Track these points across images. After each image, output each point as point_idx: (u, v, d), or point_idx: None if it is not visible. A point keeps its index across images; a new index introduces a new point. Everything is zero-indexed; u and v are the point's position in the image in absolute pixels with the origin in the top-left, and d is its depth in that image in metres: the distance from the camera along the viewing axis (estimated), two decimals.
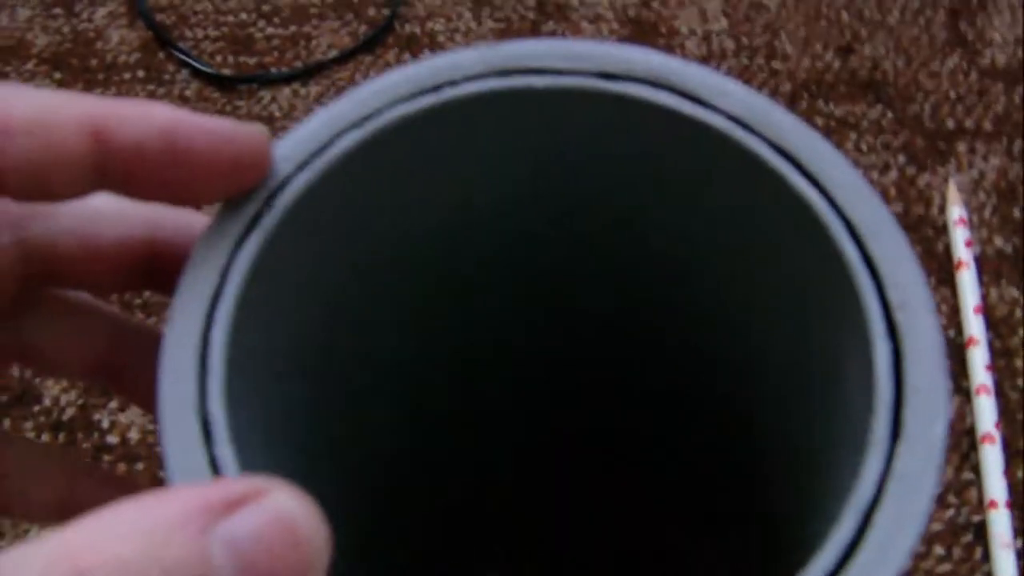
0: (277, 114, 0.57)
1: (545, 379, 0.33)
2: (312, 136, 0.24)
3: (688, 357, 0.30)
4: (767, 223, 0.24)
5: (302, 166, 0.23)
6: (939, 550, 0.41)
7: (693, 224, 0.27)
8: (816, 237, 0.23)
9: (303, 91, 0.58)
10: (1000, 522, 0.40)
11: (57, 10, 0.65)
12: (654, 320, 0.30)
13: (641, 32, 0.56)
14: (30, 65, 0.62)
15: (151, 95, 0.59)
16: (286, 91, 0.58)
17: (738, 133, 0.24)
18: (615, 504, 0.35)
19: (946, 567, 0.40)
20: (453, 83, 0.25)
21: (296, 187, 0.23)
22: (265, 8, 0.62)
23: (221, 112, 0.58)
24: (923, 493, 0.19)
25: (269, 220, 0.23)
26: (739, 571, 0.32)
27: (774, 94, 0.53)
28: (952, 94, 0.53)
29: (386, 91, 0.24)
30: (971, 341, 0.44)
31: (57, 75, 0.62)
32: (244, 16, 0.62)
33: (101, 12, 0.64)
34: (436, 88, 0.24)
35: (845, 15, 0.57)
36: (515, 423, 0.34)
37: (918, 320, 0.21)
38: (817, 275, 0.23)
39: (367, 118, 0.24)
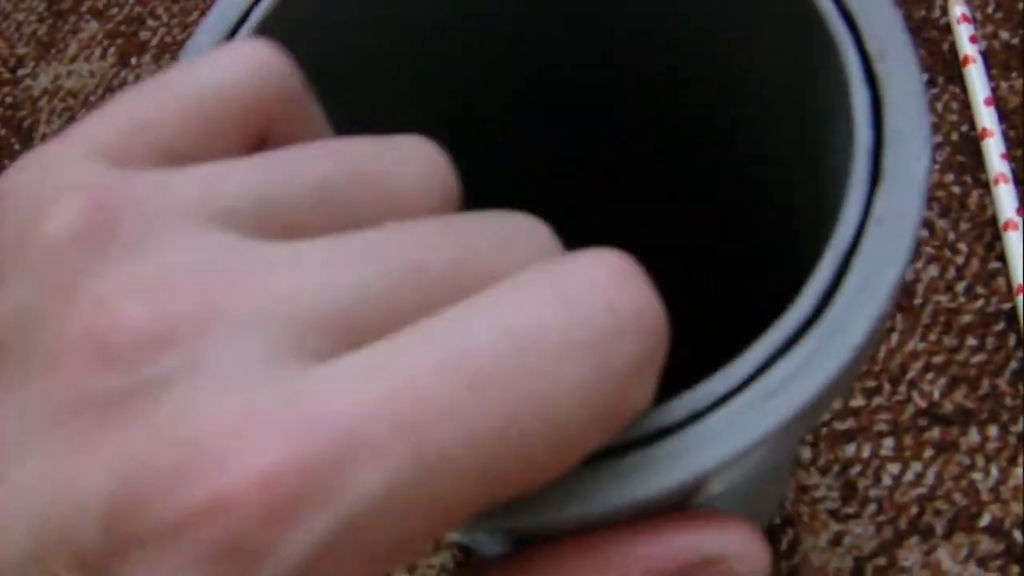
0: None
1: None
2: None
3: (692, 113, 0.31)
4: None
5: None
6: (972, 341, 0.41)
7: None
8: None
9: None
10: None
11: None
12: (677, 82, 0.30)
13: None
14: None
15: (141, 0, 0.59)
16: None
17: None
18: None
19: (980, 357, 0.41)
20: None
21: None
22: None
23: (211, 5, 0.58)
24: (904, 233, 0.20)
25: None
26: (734, 311, 0.33)
27: None
28: None
29: None
30: (985, 133, 0.44)
31: None
32: None
33: None
34: None
35: None
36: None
37: (897, 68, 0.21)
38: (801, 31, 0.23)
39: None
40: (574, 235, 0.28)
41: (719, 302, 0.35)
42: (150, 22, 0.58)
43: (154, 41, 0.57)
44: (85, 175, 0.16)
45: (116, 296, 0.15)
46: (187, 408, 0.14)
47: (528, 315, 0.15)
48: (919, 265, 0.42)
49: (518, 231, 0.17)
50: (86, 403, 0.14)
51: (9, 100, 0.58)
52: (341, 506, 0.14)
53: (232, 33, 0.24)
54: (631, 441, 0.18)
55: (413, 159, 0.18)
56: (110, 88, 0.56)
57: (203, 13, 0.58)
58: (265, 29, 0.24)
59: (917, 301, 0.42)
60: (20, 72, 0.59)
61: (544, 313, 0.15)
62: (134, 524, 0.14)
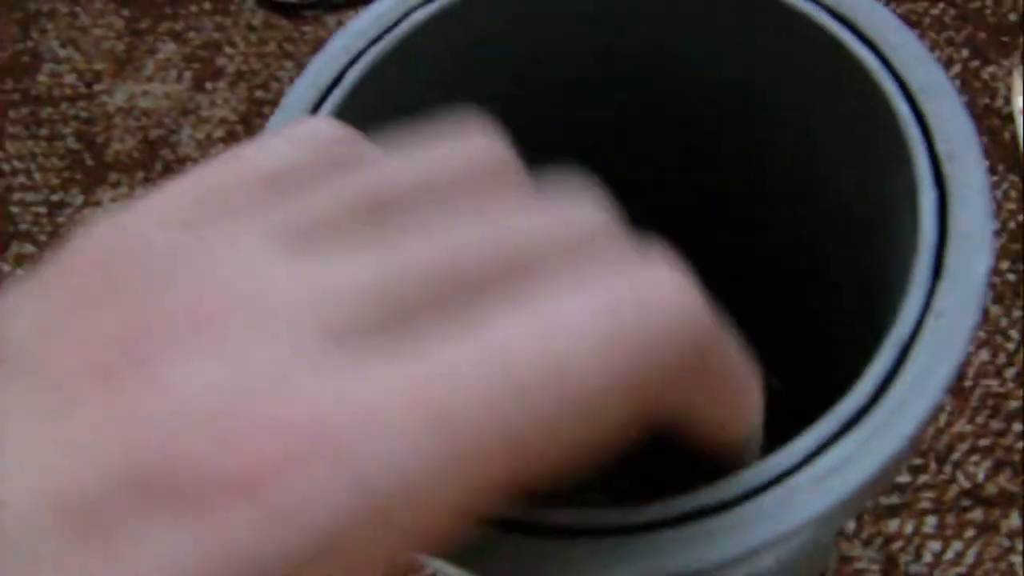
0: None
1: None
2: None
3: (761, 203, 0.32)
4: (829, 85, 0.25)
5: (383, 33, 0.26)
6: (1018, 426, 0.41)
7: (760, 85, 0.28)
8: (872, 96, 0.24)
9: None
10: None
11: None
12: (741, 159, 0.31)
13: None
14: (98, 3, 0.64)
15: (218, 27, 0.60)
16: (351, 15, 0.59)
17: (803, 4, 0.25)
18: None
19: None
20: None
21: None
22: None
23: (288, 39, 0.59)
24: (962, 329, 0.20)
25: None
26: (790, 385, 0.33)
27: None
28: None
29: None
30: None
31: (125, 12, 0.63)
32: None
33: None
34: None
35: None
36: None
37: (965, 170, 0.22)
38: (874, 131, 0.24)
39: None
40: None
41: (771, 372, 0.36)
42: (227, 49, 0.59)
43: (230, 68, 0.59)
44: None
45: None
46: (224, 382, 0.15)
47: (570, 313, 0.16)
48: (971, 348, 0.43)
49: (582, 219, 0.18)
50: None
51: (84, 115, 0.59)
52: (362, 475, 0.15)
53: (323, 95, 0.25)
54: (690, 513, 0.19)
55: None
56: (184, 111, 0.57)
57: (279, 45, 0.59)
58: (356, 95, 0.25)
59: (967, 383, 0.42)
60: (96, 87, 0.60)
61: (583, 313, 0.16)
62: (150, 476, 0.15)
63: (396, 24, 0.26)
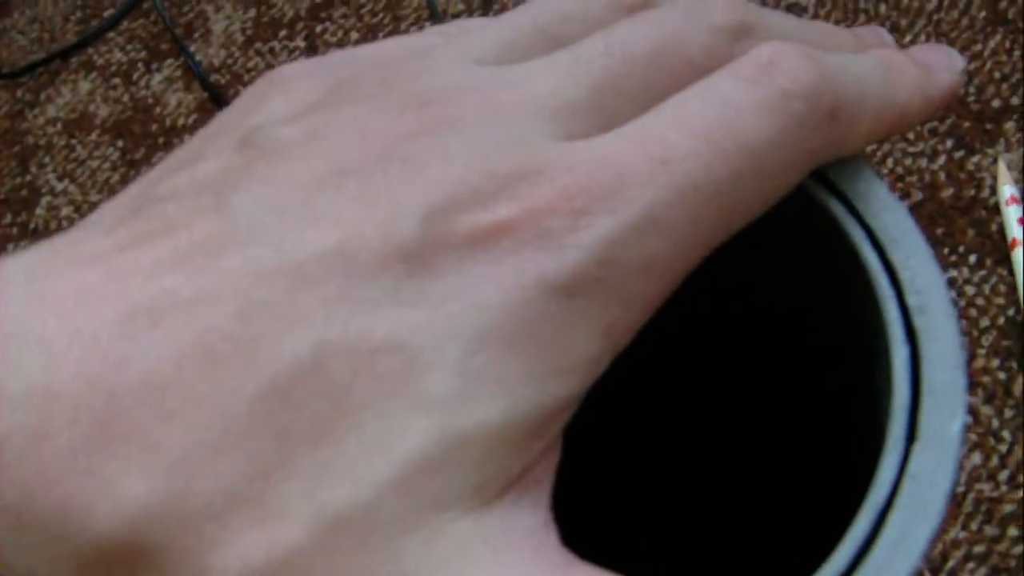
0: None
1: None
2: None
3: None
4: (803, 233, 0.25)
5: None
6: (1013, 531, 0.41)
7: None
8: (840, 246, 0.24)
9: None
10: None
11: (116, 80, 0.67)
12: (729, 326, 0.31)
13: None
14: (94, 136, 0.65)
15: None
16: None
17: None
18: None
19: (1021, 548, 0.40)
20: None
21: None
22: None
23: None
24: (938, 491, 0.20)
25: None
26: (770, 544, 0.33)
27: None
28: (996, 74, 0.52)
29: None
30: None
31: (120, 143, 0.64)
32: None
33: (157, 78, 0.66)
34: None
35: (883, 7, 0.57)
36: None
37: (936, 324, 0.22)
38: (845, 284, 0.24)
39: None
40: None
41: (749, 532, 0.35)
42: None
43: None
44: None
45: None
46: (488, 151, 0.19)
47: (733, 90, 0.20)
48: (963, 452, 0.42)
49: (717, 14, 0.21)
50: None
51: None
52: (618, 215, 0.18)
53: None
54: None
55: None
56: None
57: None
58: None
59: (960, 489, 0.41)
60: None
61: (744, 88, 0.20)
62: (451, 224, 0.18)
63: None
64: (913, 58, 0.23)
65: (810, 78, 0.20)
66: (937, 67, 0.23)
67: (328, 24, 0.65)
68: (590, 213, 0.18)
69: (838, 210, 0.24)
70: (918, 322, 0.22)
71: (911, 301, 0.22)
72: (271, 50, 0.65)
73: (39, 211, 0.62)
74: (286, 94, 0.21)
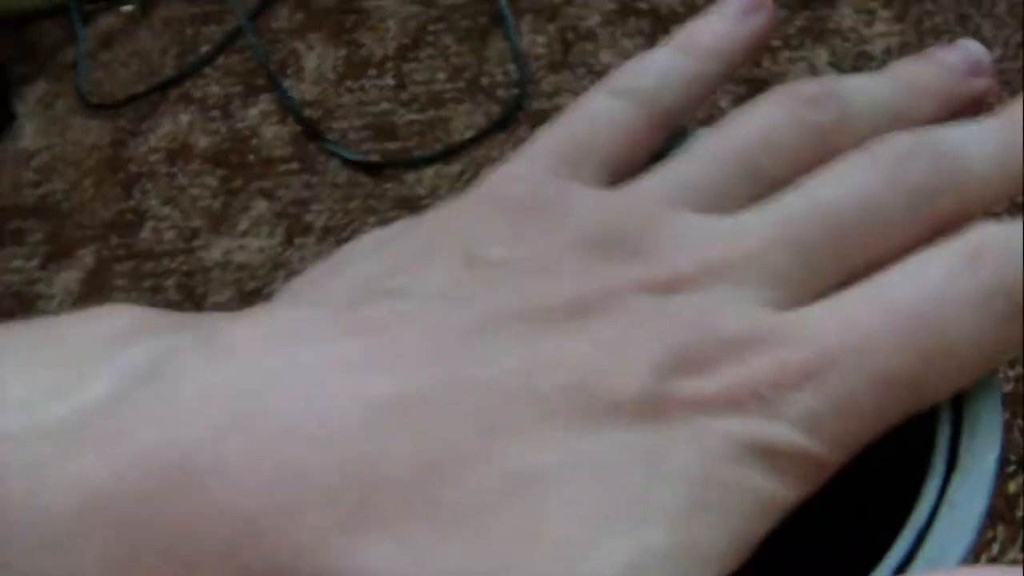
0: (422, 193, 0.64)
1: None
2: None
3: None
4: None
5: None
6: None
7: None
8: None
9: (445, 170, 0.64)
10: None
11: (214, 113, 0.72)
12: None
13: (757, 89, 0.61)
14: (194, 165, 0.69)
15: (306, 185, 0.65)
16: (429, 172, 0.65)
17: None
18: None
19: None
20: None
21: None
22: (404, 97, 0.68)
23: (370, 196, 0.64)
24: (972, 517, 0.23)
25: None
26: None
27: None
28: None
29: None
30: None
31: (219, 172, 0.68)
32: (385, 105, 0.69)
33: (253, 112, 0.71)
34: None
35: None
36: None
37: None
38: None
39: None
40: None
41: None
42: (315, 206, 0.65)
43: (318, 224, 0.64)
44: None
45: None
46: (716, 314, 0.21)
47: (939, 280, 0.21)
48: (1021, 478, 0.46)
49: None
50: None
51: (184, 268, 0.64)
52: (822, 396, 0.20)
53: None
54: None
55: None
56: (276, 264, 0.62)
57: (363, 201, 0.64)
58: None
59: (1019, 513, 0.45)
60: (195, 243, 0.65)
61: (950, 280, 0.21)
62: (679, 383, 0.20)
63: None
64: None
65: (1013, 274, 0.21)
66: None
67: (415, 64, 0.70)
68: (800, 389, 0.20)
69: None
70: None
71: None
72: (361, 87, 0.70)
73: (144, 234, 0.67)
74: (499, 220, 0.23)
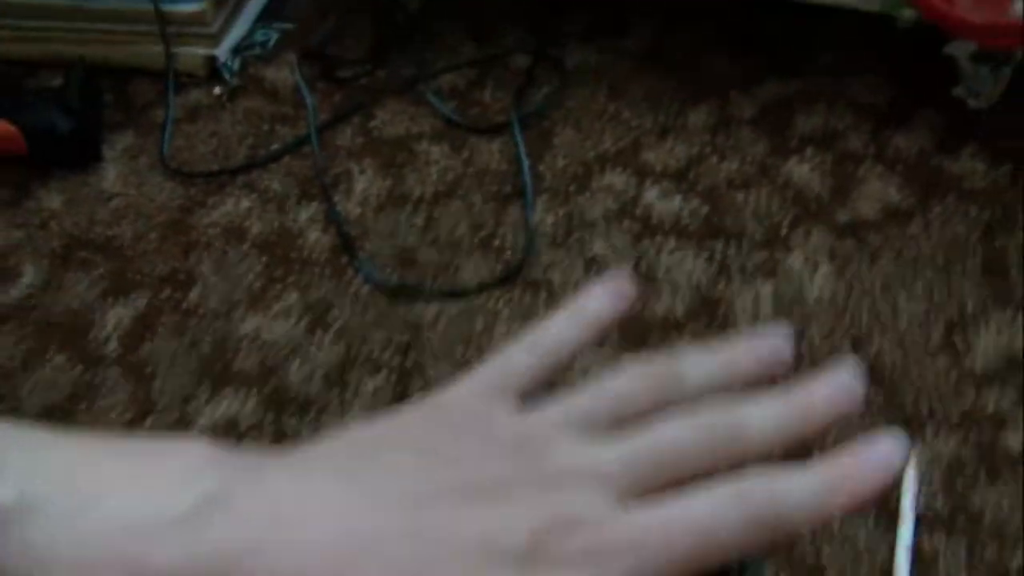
0: (424, 323, 0.76)
1: None
2: None
3: None
4: None
5: None
6: None
7: None
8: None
9: (447, 309, 0.77)
10: None
11: (271, 206, 0.85)
12: None
13: (707, 305, 0.75)
14: (245, 246, 0.83)
15: (333, 290, 0.79)
16: (434, 307, 0.77)
17: None
18: None
19: None
20: None
21: None
22: (429, 236, 0.82)
23: (382, 314, 0.77)
24: None
25: None
26: None
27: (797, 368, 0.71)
28: (933, 389, 0.70)
29: None
30: (896, 571, 0.61)
31: (264, 259, 0.82)
32: (412, 240, 0.82)
33: (304, 214, 0.84)
34: None
35: (865, 315, 0.74)
36: None
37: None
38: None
39: None
40: None
41: None
42: (335, 310, 0.78)
43: (335, 325, 0.77)
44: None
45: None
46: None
47: (714, 506, 0.35)
48: None
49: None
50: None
51: (220, 333, 0.78)
52: (637, 556, 0.33)
53: None
54: None
55: None
56: (294, 349, 0.76)
57: (375, 318, 0.77)
58: None
59: None
60: (233, 314, 0.79)
61: (723, 507, 0.35)
62: (549, 543, 0.33)
63: None
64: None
65: (765, 509, 0.35)
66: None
67: (444, 211, 0.83)
68: (617, 558, 0.33)
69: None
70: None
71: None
72: (396, 218, 0.83)
73: (192, 295, 0.80)
74: (444, 429, 0.37)
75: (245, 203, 0.86)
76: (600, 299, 0.43)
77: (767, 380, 0.41)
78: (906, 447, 0.36)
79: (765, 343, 0.41)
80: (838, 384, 0.39)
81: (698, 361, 0.40)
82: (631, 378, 0.39)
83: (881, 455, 0.36)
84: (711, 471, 0.37)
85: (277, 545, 0.33)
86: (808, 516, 0.35)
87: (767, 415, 0.38)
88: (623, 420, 0.38)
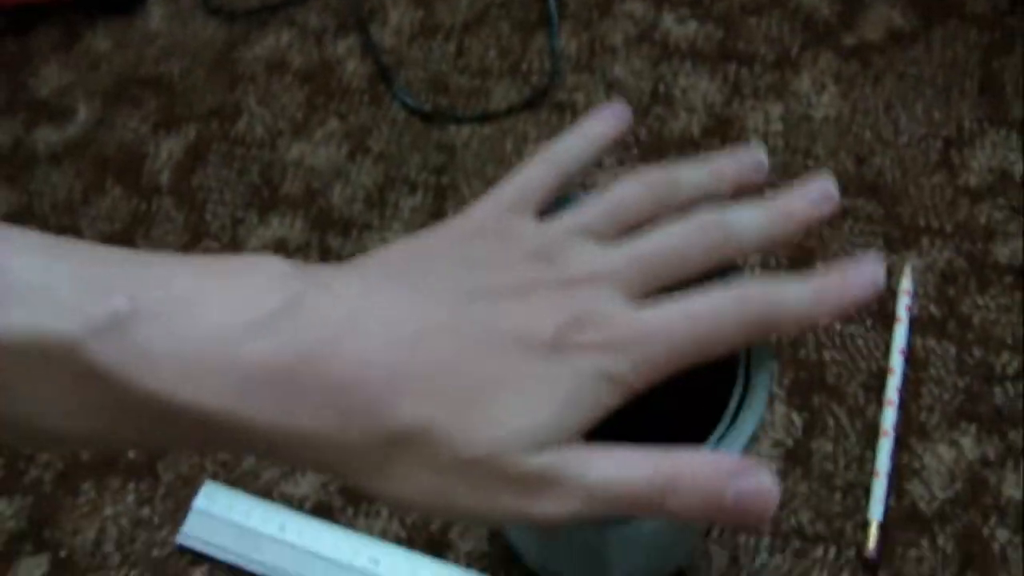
0: (458, 144, 0.80)
1: None
2: None
3: None
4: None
5: None
6: (837, 495, 0.64)
7: None
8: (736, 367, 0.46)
9: (480, 131, 0.81)
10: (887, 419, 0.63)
11: (310, 40, 0.89)
12: None
13: (720, 125, 0.79)
14: (287, 78, 0.87)
15: (372, 116, 0.83)
16: (467, 129, 0.81)
17: None
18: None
19: (840, 507, 0.63)
20: None
21: None
22: (460, 63, 0.85)
23: (418, 136, 0.81)
24: (756, 412, 0.42)
25: None
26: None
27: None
28: (928, 202, 0.75)
29: None
30: (891, 371, 0.66)
31: (306, 88, 0.86)
32: (444, 67, 0.85)
33: (342, 45, 0.88)
34: None
35: (868, 133, 0.79)
36: None
37: (759, 381, 0.44)
38: (730, 373, 0.46)
39: None
40: None
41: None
42: (375, 134, 0.82)
43: (375, 149, 0.81)
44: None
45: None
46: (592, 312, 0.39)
47: (717, 304, 0.40)
48: (822, 440, 0.65)
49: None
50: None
51: (267, 159, 0.82)
52: (645, 347, 0.39)
53: None
54: None
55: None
56: (337, 173, 0.80)
57: (412, 140, 0.81)
58: None
59: (812, 462, 0.64)
60: (278, 141, 0.83)
61: (724, 305, 0.40)
62: (570, 335, 0.39)
63: None
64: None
65: (758, 307, 0.40)
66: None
67: (474, 39, 0.86)
68: (630, 350, 0.38)
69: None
70: (752, 380, 0.45)
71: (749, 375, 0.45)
72: (429, 47, 0.87)
73: (239, 125, 0.85)
74: (476, 240, 0.43)
75: (285, 37, 0.89)
76: (603, 120, 0.48)
77: (752, 189, 0.46)
78: (884, 268, 0.41)
79: (747, 154, 0.46)
80: (818, 187, 0.44)
81: (690, 170, 0.45)
82: (631, 186, 0.44)
83: (865, 274, 0.41)
84: (708, 268, 0.42)
85: (349, 338, 0.37)
86: (797, 320, 0.40)
87: (755, 215, 0.43)
88: (627, 225, 0.43)
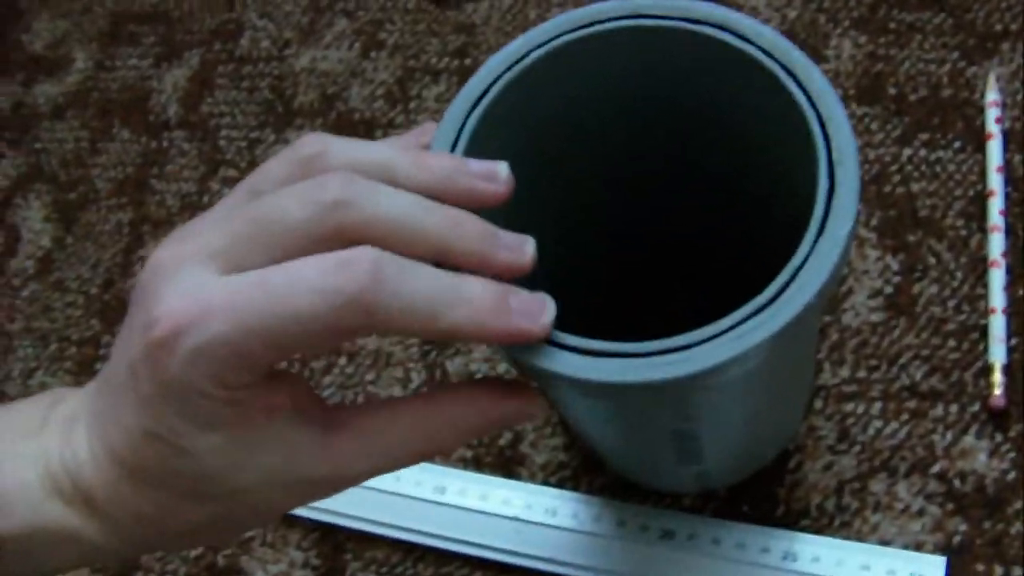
0: (478, 22, 0.75)
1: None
2: (514, 51, 0.42)
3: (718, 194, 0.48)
4: (774, 116, 0.41)
5: (506, 71, 0.42)
6: (952, 343, 0.57)
7: (721, 105, 0.43)
8: (799, 124, 0.39)
9: (498, 4, 0.75)
10: (997, 324, 0.56)
11: None
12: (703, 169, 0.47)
13: None
14: None
15: (382, 8, 0.77)
16: (484, 4, 0.75)
17: (765, 59, 0.40)
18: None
19: (956, 355, 0.57)
20: (599, 22, 0.42)
21: (502, 81, 0.41)
22: None
23: (435, 21, 0.75)
24: (830, 264, 0.35)
25: (487, 100, 0.41)
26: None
27: (859, 3, 0.68)
28: (1002, 3, 0.67)
29: (561, 24, 0.42)
30: (991, 193, 0.59)
31: None
32: None
33: None
34: (589, 24, 0.42)
35: None
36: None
37: (847, 171, 0.37)
38: (799, 150, 0.40)
39: (549, 41, 0.42)
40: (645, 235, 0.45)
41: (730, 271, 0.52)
42: (388, 26, 0.76)
43: (390, 42, 0.75)
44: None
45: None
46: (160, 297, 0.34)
47: (291, 274, 0.33)
48: (925, 283, 0.58)
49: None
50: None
51: (276, 72, 0.77)
52: (205, 333, 0.33)
53: (472, 106, 0.41)
54: (655, 350, 0.35)
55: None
56: (353, 73, 0.75)
57: (428, 26, 0.75)
58: (493, 107, 0.41)
59: (917, 309, 0.58)
60: (286, 52, 0.78)
61: (302, 275, 0.33)
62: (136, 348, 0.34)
63: (520, 59, 0.42)
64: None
65: (358, 281, 0.32)
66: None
67: None
68: (217, 314, 0.33)
69: (803, 101, 0.39)
70: (837, 169, 0.38)
71: (835, 156, 0.38)
72: None
73: (243, 42, 0.79)
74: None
75: None
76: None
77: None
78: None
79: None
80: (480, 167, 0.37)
81: (341, 145, 0.37)
82: (282, 159, 0.37)
83: (521, 309, 0.35)
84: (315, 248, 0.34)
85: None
86: (411, 322, 0.33)
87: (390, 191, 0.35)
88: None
